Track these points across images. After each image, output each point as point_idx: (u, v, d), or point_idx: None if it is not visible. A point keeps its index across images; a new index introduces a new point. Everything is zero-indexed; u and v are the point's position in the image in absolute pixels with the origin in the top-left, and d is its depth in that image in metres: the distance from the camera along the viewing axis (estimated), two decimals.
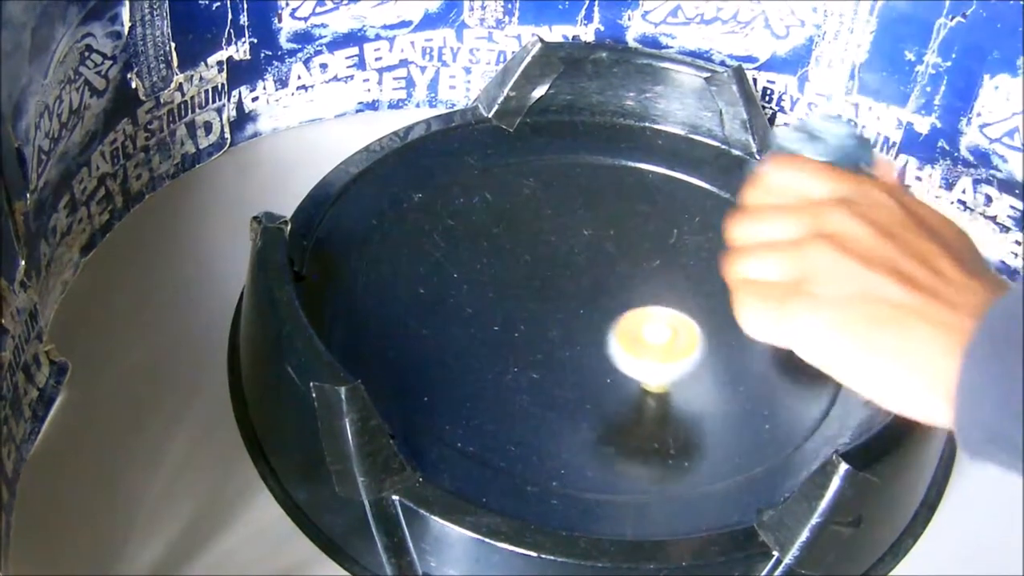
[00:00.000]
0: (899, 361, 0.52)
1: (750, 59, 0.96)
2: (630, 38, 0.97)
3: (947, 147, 0.91)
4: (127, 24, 0.80)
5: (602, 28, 0.97)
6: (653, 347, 0.71)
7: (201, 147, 0.92)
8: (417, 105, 1.01)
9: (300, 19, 0.92)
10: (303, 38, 0.93)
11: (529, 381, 0.74)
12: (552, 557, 0.63)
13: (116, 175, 0.84)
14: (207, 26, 0.87)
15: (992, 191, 0.90)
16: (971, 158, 0.90)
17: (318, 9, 0.92)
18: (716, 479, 0.70)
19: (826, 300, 0.55)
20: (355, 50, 0.96)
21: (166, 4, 0.83)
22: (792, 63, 0.95)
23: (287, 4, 0.91)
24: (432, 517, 0.64)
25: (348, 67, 0.97)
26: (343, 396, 0.64)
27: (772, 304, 0.57)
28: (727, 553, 0.65)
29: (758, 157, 0.91)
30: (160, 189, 0.90)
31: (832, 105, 0.95)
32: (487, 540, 0.64)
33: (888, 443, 0.66)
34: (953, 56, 0.88)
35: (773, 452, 0.71)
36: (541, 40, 0.92)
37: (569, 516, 0.66)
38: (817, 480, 0.64)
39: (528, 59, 0.92)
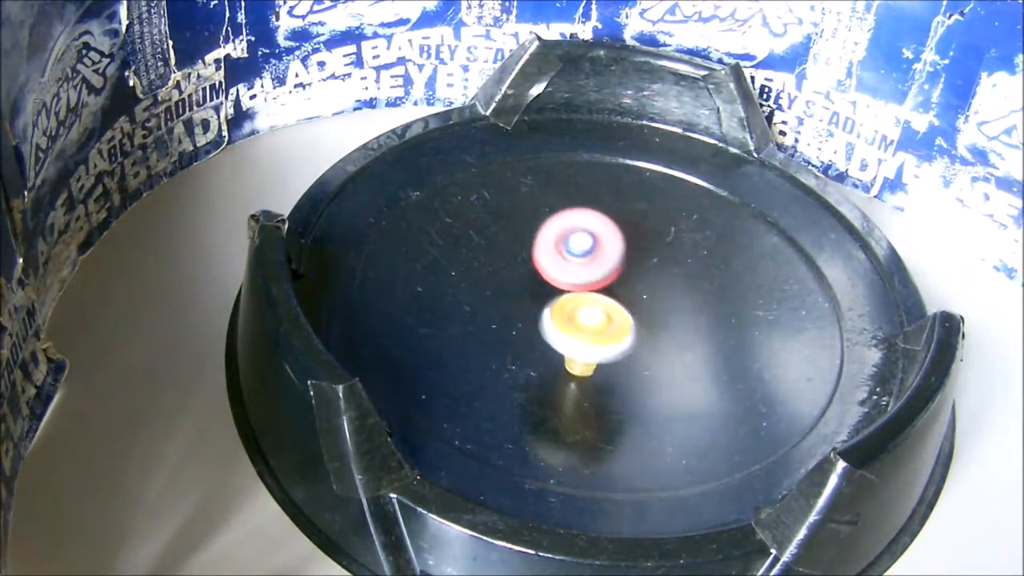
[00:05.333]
0: None
1: (748, 57, 0.96)
2: (628, 36, 0.97)
3: (945, 145, 0.91)
4: (125, 22, 0.80)
5: (600, 26, 0.97)
6: (585, 328, 0.73)
7: (199, 145, 0.92)
8: (415, 103, 1.01)
9: (298, 17, 0.92)
10: (301, 36, 0.93)
11: (527, 379, 0.74)
12: (550, 555, 0.63)
13: (114, 173, 0.84)
14: (205, 24, 0.87)
15: (990, 189, 0.90)
16: (969, 156, 0.90)
17: (316, 7, 0.92)
18: (714, 477, 0.70)
19: None
20: (353, 48, 0.96)
21: (164, 2, 0.82)
22: (790, 61, 0.95)
23: (285, 2, 0.91)
24: (430, 515, 0.64)
25: (346, 65, 0.97)
26: (341, 394, 0.64)
27: None
28: (725, 551, 0.65)
29: (755, 155, 0.91)
30: (158, 187, 0.90)
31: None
32: (484, 538, 0.64)
33: (886, 441, 0.66)
34: (951, 54, 0.88)
35: (771, 450, 0.71)
36: (539, 38, 0.92)
37: (567, 514, 0.66)
38: (815, 478, 0.64)
39: (526, 57, 0.92)
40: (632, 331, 0.72)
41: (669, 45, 0.97)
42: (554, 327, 0.72)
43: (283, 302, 0.70)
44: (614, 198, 0.88)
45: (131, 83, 0.83)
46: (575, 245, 0.77)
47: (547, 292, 0.79)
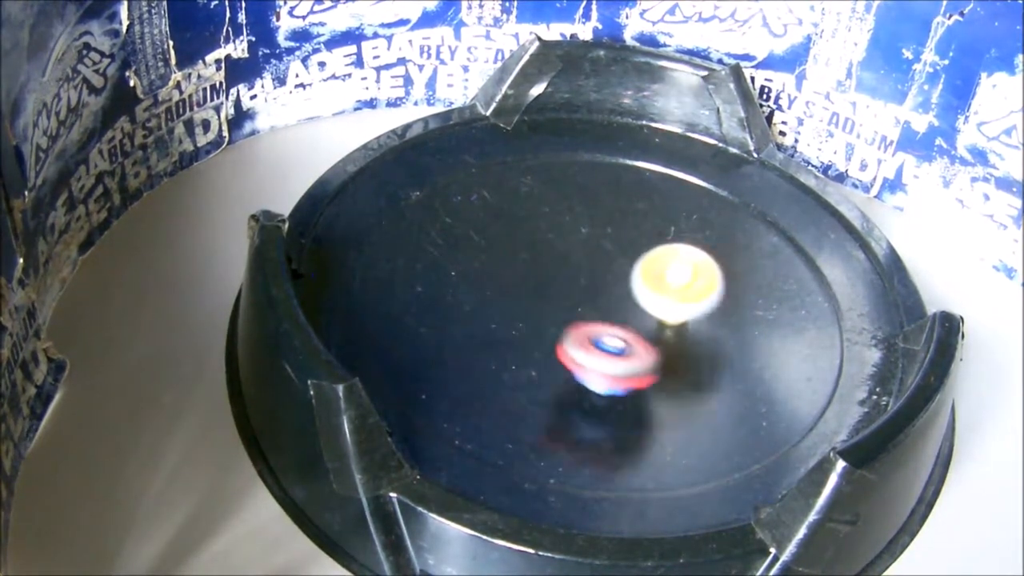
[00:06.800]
0: None
1: (747, 57, 0.96)
2: (628, 36, 0.98)
3: (945, 145, 0.91)
4: (125, 22, 0.80)
5: (600, 26, 0.97)
6: (673, 287, 0.74)
7: (199, 145, 0.92)
8: (415, 103, 1.01)
9: (298, 17, 0.92)
10: (301, 36, 0.93)
11: (527, 379, 0.74)
12: (549, 554, 0.63)
13: (114, 173, 0.84)
14: (205, 24, 0.87)
15: (990, 189, 0.90)
16: (969, 156, 0.90)
17: (316, 7, 0.92)
18: (713, 477, 0.70)
19: None
20: (353, 48, 0.96)
21: (164, 2, 0.83)
22: (790, 61, 0.95)
23: (285, 2, 0.91)
24: (430, 515, 0.64)
25: (346, 65, 0.97)
26: (341, 394, 0.64)
27: None
28: (725, 550, 0.65)
29: (755, 155, 0.91)
30: (158, 187, 0.90)
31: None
32: (484, 537, 0.64)
33: (886, 441, 0.66)
34: (951, 54, 0.88)
35: (771, 450, 0.71)
36: (539, 38, 0.92)
37: (566, 513, 0.66)
38: (814, 478, 0.64)
39: (526, 57, 0.92)
40: (718, 286, 0.74)
41: (669, 45, 0.97)
42: (643, 286, 0.74)
43: (283, 302, 0.70)
44: (614, 198, 0.88)
45: (131, 83, 0.83)
46: (609, 343, 0.73)
47: (547, 292, 0.80)
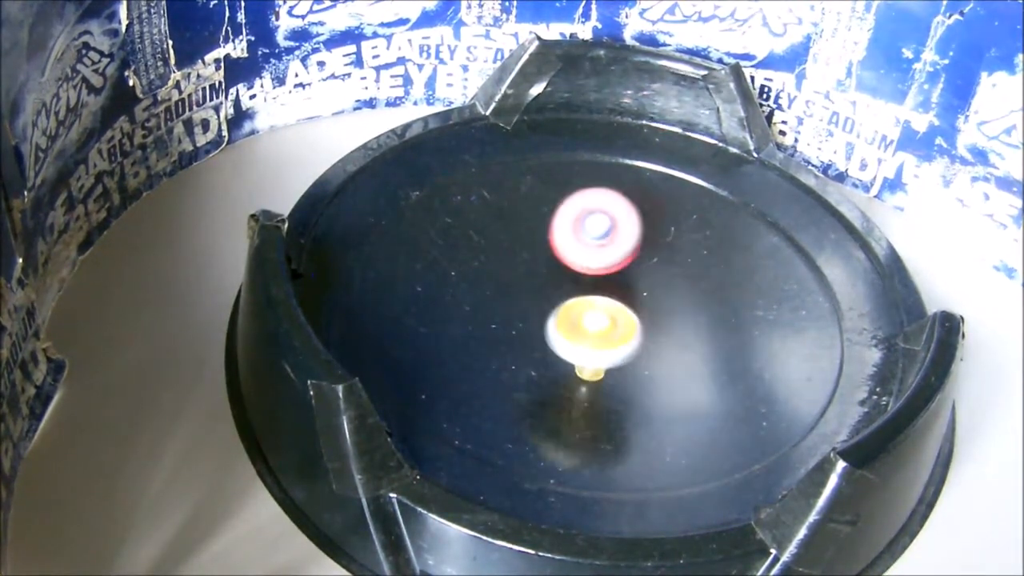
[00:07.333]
0: None
1: (747, 57, 0.96)
2: (627, 36, 0.97)
3: (945, 145, 0.91)
4: (124, 22, 0.80)
5: (599, 26, 0.97)
6: (590, 334, 0.72)
7: (198, 145, 0.92)
8: (415, 103, 1.01)
9: (298, 17, 0.92)
10: (300, 36, 0.93)
11: (527, 379, 0.74)
12: (549, 555, 0.63)
13: (113, 173, 0.84)
14: (204, 24, 0.87)
15: (990, 189, 0.90)
16: (969, 156, 0.90)
17: (315, 7, 0.92)
18: (714, 477, 0.70)
19: None
20: (352, 48, 0.96)
21: (163, 2, 0.82)
22: (790, 60, 0.95)
23: (284, 2, 0.91)
24: (429, 515, 0.64)
25: (345, 65, 0.97)
26: (340, 394, 0.64)
27: None
28: (725, 551, 0.65)
29: (755, 155, 0.91)
30: (157, 187, 0.90)
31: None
32: (484, 538, 0.64)
33: (886, 441, 0.66)
34: (951, 54, 0.88)
35: (771, 450, 0.71)
36: (538, 38, 0.92)
37: (566, 514, 0.66)
38: (815, 478, 0.64)
39: (525, 57, 0.92)
40: (638, 332, 0.72)
41: (669, 45, 0.97)
42: (559, 336, 0.71)
43: (283, 302, 0.70)
44: None
45: (131, 83, 0.83)
46: (592, 228, 0.77)
47: (547, 292, 0.80)
